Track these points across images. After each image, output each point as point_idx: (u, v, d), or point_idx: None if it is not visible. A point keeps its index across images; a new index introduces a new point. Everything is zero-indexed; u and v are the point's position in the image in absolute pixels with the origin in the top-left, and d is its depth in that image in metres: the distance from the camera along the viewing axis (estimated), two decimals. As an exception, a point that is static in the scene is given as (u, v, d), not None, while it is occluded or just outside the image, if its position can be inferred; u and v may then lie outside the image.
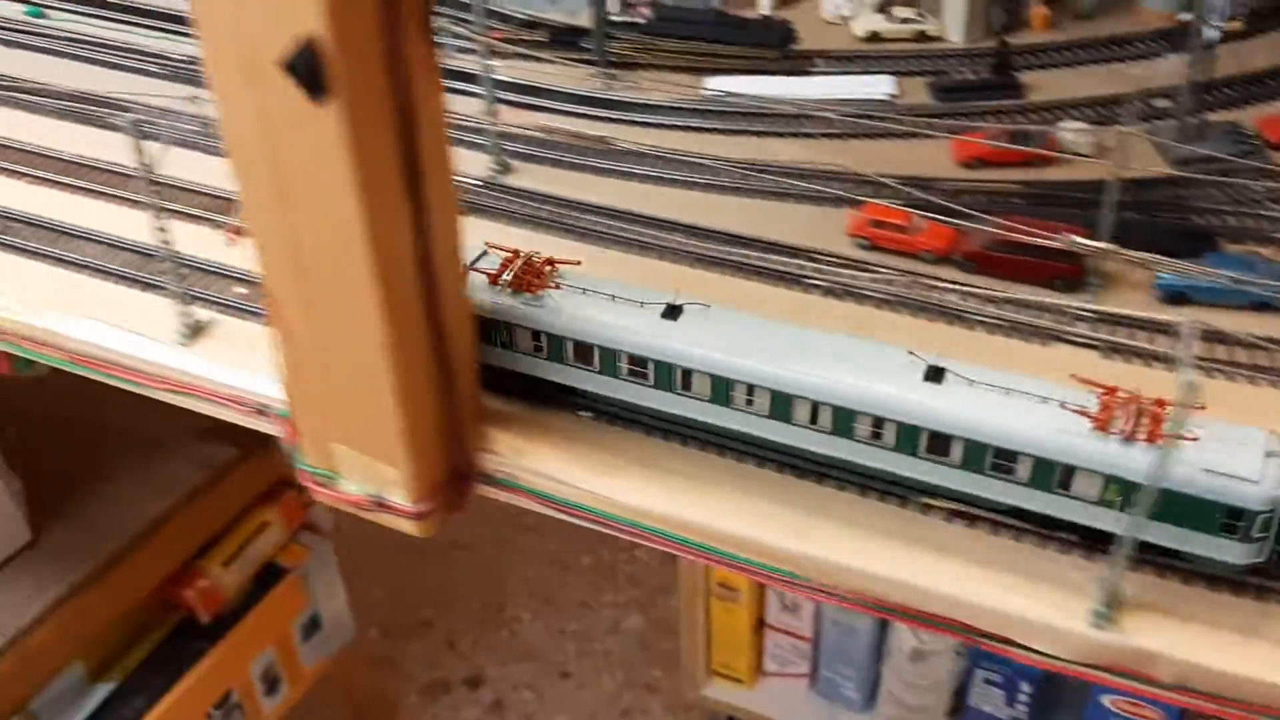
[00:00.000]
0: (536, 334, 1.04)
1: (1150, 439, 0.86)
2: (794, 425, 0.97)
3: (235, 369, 1.20)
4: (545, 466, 1.08)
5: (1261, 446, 0.88)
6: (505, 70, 1.60)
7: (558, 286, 1.05)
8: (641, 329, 1.00)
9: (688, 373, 0.98)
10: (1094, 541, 0.93)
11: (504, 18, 1.70)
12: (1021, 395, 0.91)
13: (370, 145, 0.86)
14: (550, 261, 1.06)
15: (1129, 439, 0.87)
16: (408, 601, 3.43)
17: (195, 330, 1.22)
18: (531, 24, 1.69)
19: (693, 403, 1.00)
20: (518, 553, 3.56)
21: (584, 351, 1.02)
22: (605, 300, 1.03)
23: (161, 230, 1.15)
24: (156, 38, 1.72)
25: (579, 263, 1.08)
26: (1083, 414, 0.88)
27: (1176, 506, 0.87)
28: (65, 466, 2.40)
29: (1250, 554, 0.89)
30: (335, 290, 0.94)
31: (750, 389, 0.97)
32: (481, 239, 1.13)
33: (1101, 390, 0.91)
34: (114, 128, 1.58)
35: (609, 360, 1.02)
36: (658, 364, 1.00)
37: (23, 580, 2.23)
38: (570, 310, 1.03)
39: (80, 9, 1.81)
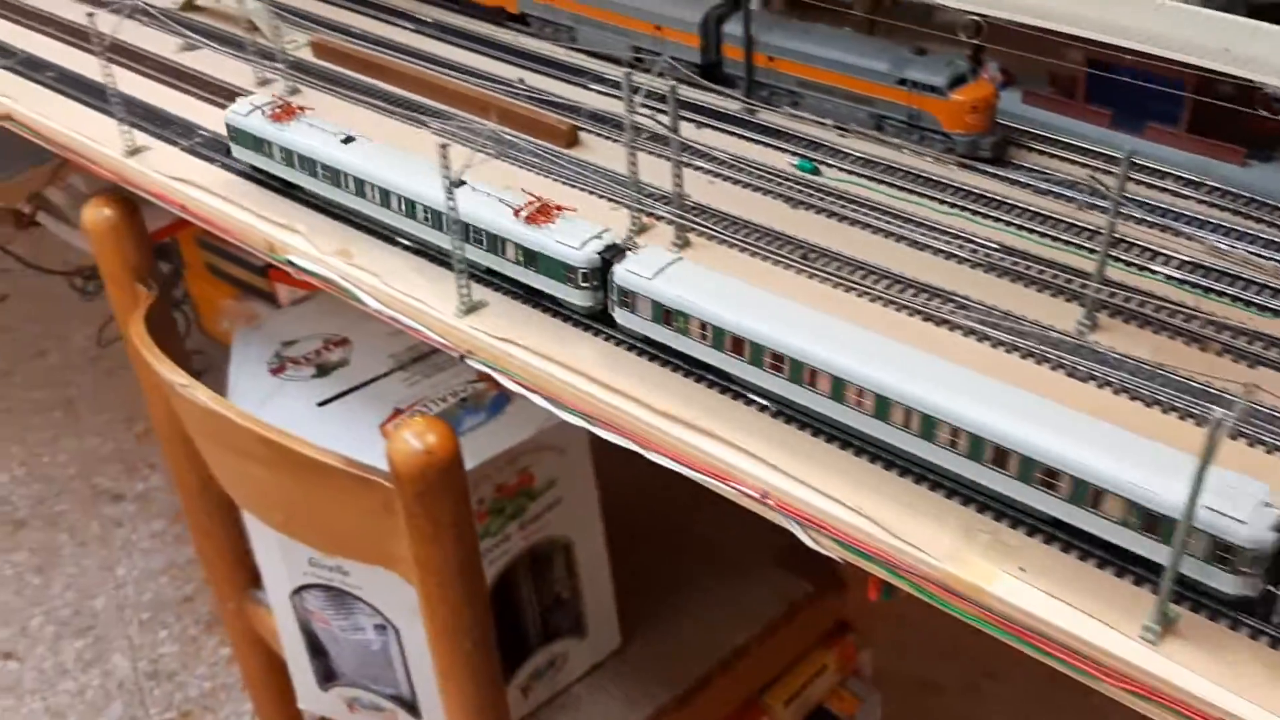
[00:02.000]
0: (284, 150, 1.65)
1: (535, 221, 1.40)
2: (389, 210, 1.56)
3: (1214, 685, 1.04)
4: None
5: (591, 232, 1.37)
6: None
7: (298, 121, 1.66)
8: (326, 149, 1.61)
9: (352, 178, 1.58)
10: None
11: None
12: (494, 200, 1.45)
13: None
14: (301, 108, 1.68)
15: (529, 222, 1.40)
16: (872, 739, 3.26)
17: (1165, 627, 1.08)
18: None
19: (353, 198, 1.60)
20: (985, 702, 3.33)
21: (303, 160, 1.63)
22: (317, 130, 1.63)
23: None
24: (952, 215, 1.58)
25: (314, 108, 1.70)
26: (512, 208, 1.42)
27: (549, 265, 1.37)
28: (653, 575, 2.38)
29: (587, 299, 1.36)
30: None
31: (375, 188, 1.56)
32: (272, 93, 1.84)
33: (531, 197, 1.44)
34: (949, 323, 1.48)
35: (311, 167, 1.62)
36: (335, 170, 1.59)
37: (613, 691, 2.20)
38: (293, 135, 1.64)
39: (858, 170, 1.63)
